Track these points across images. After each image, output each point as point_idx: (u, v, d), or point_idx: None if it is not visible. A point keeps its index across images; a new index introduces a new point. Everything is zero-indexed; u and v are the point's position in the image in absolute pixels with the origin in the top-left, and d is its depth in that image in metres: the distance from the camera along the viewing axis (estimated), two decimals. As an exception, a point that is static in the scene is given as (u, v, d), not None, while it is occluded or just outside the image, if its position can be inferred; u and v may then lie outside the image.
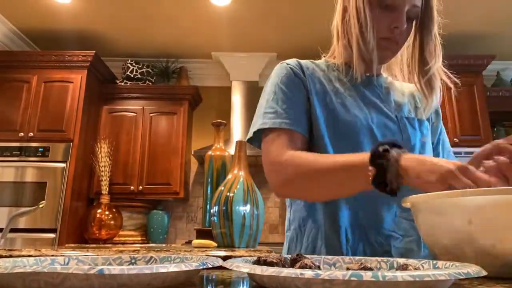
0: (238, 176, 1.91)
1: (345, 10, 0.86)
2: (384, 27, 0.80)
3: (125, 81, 3.74)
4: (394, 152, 0.62)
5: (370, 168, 0.63)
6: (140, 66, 3.78)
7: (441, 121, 0.96)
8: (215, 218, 1.87)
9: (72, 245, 2.89)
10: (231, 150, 2.29)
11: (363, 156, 0.66)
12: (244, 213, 1.83)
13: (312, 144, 0.82)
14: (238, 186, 1.87)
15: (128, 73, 3.73)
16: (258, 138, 0.84)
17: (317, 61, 0.92)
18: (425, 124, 0.88)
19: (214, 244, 1.91)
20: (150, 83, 3.81)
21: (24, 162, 3.14)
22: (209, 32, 3.54)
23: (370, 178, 0.63)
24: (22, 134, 3.19)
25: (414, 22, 0.84)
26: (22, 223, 2.99)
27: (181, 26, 3.46)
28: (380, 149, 0.63)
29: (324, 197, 0.77)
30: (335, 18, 0.90)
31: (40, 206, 1.78)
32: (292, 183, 0.76)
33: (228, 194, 1.85)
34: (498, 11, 3.19)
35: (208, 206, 2.43)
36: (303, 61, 0.89)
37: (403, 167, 0.61)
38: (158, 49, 3.85)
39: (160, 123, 3.65)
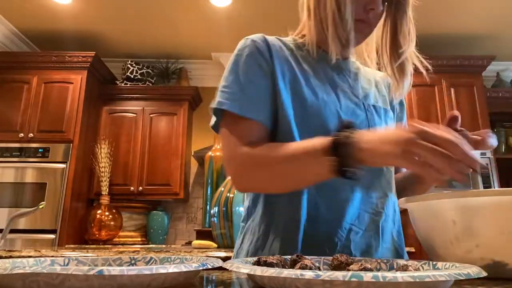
0: (238, 176, 1.91)
1: None
2: (360, 8, 0.75)
3: (125, 81, 3.75)
4: (349, 136, 0.60)
5: (329, 158, 0.61)
6: (140, 66, 3.78)
7: (405, 112, 0.95)
8: (215, 219, 1.87)
9: (72, 246, 2.89)
10: (231, 150, 2.29)
11: (320, 144, 0.63)
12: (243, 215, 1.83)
13: (277, 128, 0.76)
14: (238, 187, 1.87)
15: (128, 73, 3.73)
16: (217, 117, 0.79)
17: (284, 39, 0.87)
18: (390, 114, 0.86)
19: (214, 245, 1.91)
20: (150, 84, 3.81)
21: (24, 163, 3.14)
22: (209, 33, 3.54)
23: (330, 166, 0.61)
24: (22, 134, 3.19)
25: (385, 4, 0.81)
26: (22, 224, 2.99)
27: (181, 27, 3.46)
28: (336, 137, 0.61)
29: (285, 189, 0.72)
30: None
31: (40, 207, 1.78)
32: (251, 177, 0.73)
33: (228, 194, 1.85)
34: (498, 12, 3.19)
35: (208, 207, 2.43)
36: (269, 38, 0.82)
37: (362, 149, 0.58)
38: (158, 50, 3.85)
39: (160, 123, 3.65)
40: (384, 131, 0.60)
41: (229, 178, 1.97)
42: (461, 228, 0.50)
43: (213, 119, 0.79)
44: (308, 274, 0.33)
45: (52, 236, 3.00)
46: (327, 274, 0.32)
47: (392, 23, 0.82)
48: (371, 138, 0.59)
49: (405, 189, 0.85)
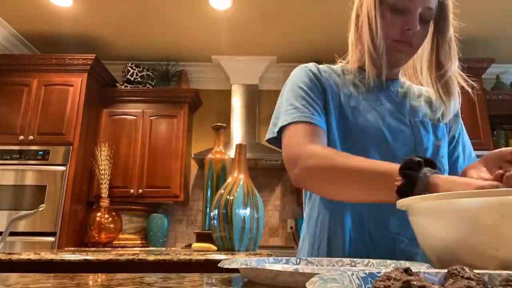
0: (238, 179, 1.91)
1: (357, 17, 0.87)
2: (396, 29, 0.80)
3: (125, 84, 3.75)
4: (426, 168, 0.60)
5: (399, 178, 0.61)
6: (140, 69, 3.79)
7: (461, 124, 0.94)
8: (215, 221, 1.87)
9: (72, 248, 2.89)
10: (231, 153, 2.29)
11: (392, 165, 0.64)
12: (244, 217, 1.83)
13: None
14: (238, 189, 1.87)
15: (128, 76, 3.73)
16: (278, 138, 0.84)
17: (333, 66, 0.94)
18: (441, 127, 0.87)
19: (214, 247, 1.90)
20: (150, 87, 3.81)
21: (24, 165, 3.13)
22: (209, 36, 3.55)
23: (396, 187, 0.61)
24: (22, 137, 3.19)
25: (430, 24, 0.84)
26: (21, 226, 2.99)
27: (181, 30, 3.47)
28: (414, 159, 0.61)
29: (343, 198, 0.74)
30: (350, 26, 0.91)
31: (40, 209, 1.78)
32: (313, 175, 0.74)
33: (228, 197, 1.85)
34: (498, 15, 3.19)
35: (208, 210, 2.43)
36: (320, 65, 0.91)
37: (432, 183, 0.58)
38: (158, 53, 3.86)
39: (160, 126, 3.65)
40: (458, 177, 0.60)
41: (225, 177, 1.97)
42: (470, 229, 0.49)
43: (272, 133, 0.84)
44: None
45: (51, 238, 3.00)
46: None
47: (436, 44, 0.86)
48: (444, 177, 0.58)
49: None
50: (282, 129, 0.82)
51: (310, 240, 0.83)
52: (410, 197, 0.58)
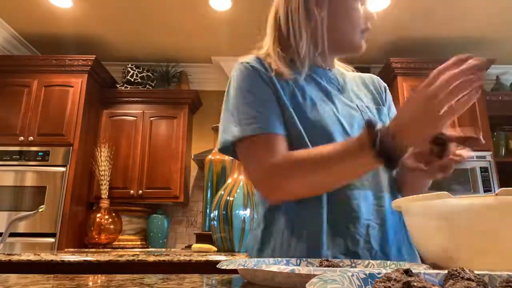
0: (238, 180, 1.91)
1: (308, 9, 0.84)
2: (361, 18, 0.84)
3: (125, 85, 3.75)
4: (383, 130, 0.63)
5: (373, 152, 0.64)
6: (140, 70, 3.79)
7: (389, 97, 0.97)
8: (215, 222, 1.87)
9: (72, 249, 2.89)
10: (231, 154, 2.29)
11: (358, 142, 0.66)
12: (244, 217, 1.83)
13: (290, 142, 0.78)
14: (238, 191, 1.87)
15: (128, 77, 3.73)
16: (229, 148, 0.80)
17: (271, 56, 0.88)
18: (383, 111, 0.90)
19: (214, 248, 1.91)
20: (150, 87, 3.81)
21: (24, 166, 3.13)
22: (209, 37, 3.55)
23: (374, 158, 0.64)
24: (22, 138, 3.19)
25: None
26: (21, 227, 2.98)
27: (182, 31, 3.47)
28: (373, 136, 0.64)
29: (328, 188, 0.74)
30: (292, 14, 0.86)
31: (40, 210, 1.78)
32: (294, 182, 0.73)
33: (228, 198, 1.85)
34: (498, 16, 3.20)
35: (208, 210, 2.43)
36: (261, 57, 0.85)
37: (400, 133, 0.62)
38: (158, 54, 3.86)
39: (160, 127, 3.65)
40: (399, 110, 0.64)
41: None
42: (457, 230, 0.49)
43: (222, 142, 0.80)
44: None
45: (51, 239, 3.00)
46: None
47: None
48: (397, 119, 0.63)
49: (404, 183, 0.86)
50: (238, 141, 0.77)
51: (284, 239, 0.77)
52: (405, 198, 0.58)
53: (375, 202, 0.78)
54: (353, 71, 0.99)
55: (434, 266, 0.53)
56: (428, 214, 0.54)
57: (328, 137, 0.77)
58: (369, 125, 0.65)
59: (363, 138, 0.65)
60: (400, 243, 0.79)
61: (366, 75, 0.98)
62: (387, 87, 0.98)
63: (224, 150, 0.82)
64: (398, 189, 0.86)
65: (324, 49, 0.84)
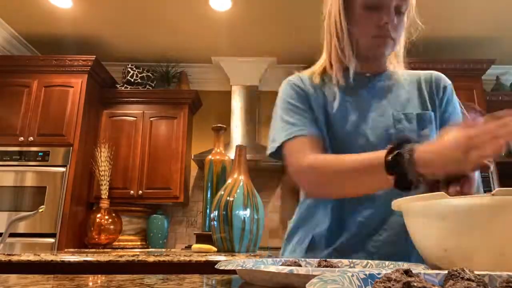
0: (238, 180, 1.91)
1: (329, 22, 0.92)
2: (372, 26, 0.83)
3: (125, 85, 3.75)
4: (406, 153, 0.64)
5: (389, 177, 0.66)
6: (140, 70, 3.79)
7: (453, 96, 0.93)
8: (215, 222, 1.87)
9: (71, 249, 2.88)
10: (231, 154, 2.29)
11: (379, 158, 0.68)
12: (244, 218, 1.82)
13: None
14: (238, 191, 1.87)
15: (128, 77, 3.73)
16: (279, 152, 0.89)
17: (311, 71, 0.97)
18: (427, 115, 0.86)
19: (214, 248, 1.90)
20: (150, 88, 3.81)
21: (24, 167, 3.13)
22: (209, 37, 3.55)
23: (392, 183, 0.66)
24: (22, 138, 3.19)
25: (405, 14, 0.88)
26: (21, 227, 2.98)
27: (182, 31, 3.47)
28: (390, 157, 0.65)
29: (349, 195, 0.80)
30: (324, 29, 0.95)
31: (40, 210, 1.78)
32: (319, 185, 0.81)
33: (228, 198, 1.85)
34: (498, 16, 3.20)
35: (208, 211, 2.43)
36: (302, 75, 0.95)
37: (420, 164, 0.62)
38: (158, 54, 3.86)
39: (160, 127, 3.65)
40: (440, 140, 0.64)
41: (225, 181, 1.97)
42: (455, 230, 0.49)
43: (272, 149, 0.89)
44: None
45: (51, 240, 3.00)
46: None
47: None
48: (428, 150, 0.63)
49: None
50: (282, 145, 0.86)
51: (299, 235, 0.89)
52: (404, 198, 0.58)
53: (385, 210, 0.78)
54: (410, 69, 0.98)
55: (434, 267, 0.53)
56: (427, 215, 0.54)
57: (348, 149, 0.81)
58: (396, 143, 0.66)
59: (383, 156, 0.67)
60: (409, 252, 0.78)
61: (425, 74, 0.95)
62: (448, 86, 0.92)
63: (272, 155, 0.91)
64: None
65: (348, 56, 0.88)
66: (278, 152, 0.88)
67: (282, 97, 0.93)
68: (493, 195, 0.47)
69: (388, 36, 0.84)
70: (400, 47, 0.95)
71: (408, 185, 0.64)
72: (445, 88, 0.92)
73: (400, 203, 0.59)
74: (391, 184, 0.66)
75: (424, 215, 0.54)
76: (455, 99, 0.93)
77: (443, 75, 0.94)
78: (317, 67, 0.96)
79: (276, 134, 0.88)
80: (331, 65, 0.92)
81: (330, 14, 0.90)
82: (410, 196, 0.56)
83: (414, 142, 0.65)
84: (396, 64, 0.96)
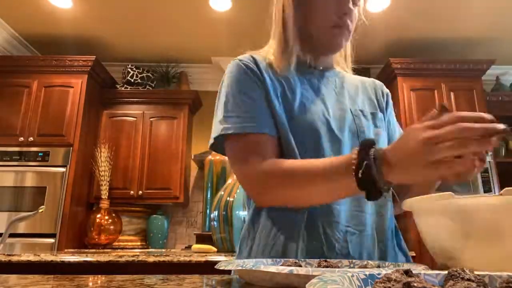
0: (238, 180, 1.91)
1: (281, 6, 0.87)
2: (333, 14, 0.80)
3: (125, 85, 3.75)
4: (373, 166, 0.59)
5: (355, 180, 0.61)
6: (140, 70, 3.79)
7: (391, 109, 0.96)
8: (215, 223, 1.87)
9: (71, 250, 2.88)
10: (231, 154, 2.29)
11: (346, 164, 0.63)
12: (244, 218, 1.82)
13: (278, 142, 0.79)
14: (238, 191, 1.87)
15: (128, 77, 3.73)
16: (220, 144, 0.81)
17: (264, 55, 0.90)
18: (379, 116, 0.88)
19: (214, 249, 1.90)
20: (150, 88, 3.81)
21: (24, 167, 3.13)
22: (209, 37, 3.55)
23: (357, 188, 0.61)
24: (22, 138, 3.19)
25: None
26: (21, 228, 2.98)
27: (182, 31, 3.47)
28: (360, 172, 0.60)
29: (309, 204, 0.74)
30: (276, 15, 0.90)
31: (40, 211, 1.78)
32: (274, 194, 0.73)
33: (228, 198, 1.85)
34: (497, 16, 3.20)
35: (208, 211, 2.43)
36: (256, 56, 0.86)
37: (387, 172, 0.58)
38: (158, 54, 3.86)
39: (160, 127, 3.65)
40: (399, 144, 0.59)
41: (230, 182, 1.97)
42: (473, 229, 0.49)
43: (213, 138, 0.80)
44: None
45: (51, 240, 3.00)
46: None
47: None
48: (390, 156, 0.58)
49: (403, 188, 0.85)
50: (224, 137, 0.78)
51: (262, 241, 0.77)
52: (414, 198, 0.58)
53: (357, 208, 0.76)
54: (356, 73, 0.97)
55: (444, 266, 0.53)
56: (437, 214, 0.54)
57: (314, 138, 0.76)
58: (362, 147, 0.62)
59: (349, 161, 0.62)
60: (383, 252, 0.77)
61: (368, 80, 0.96)
62: (389, 94, 0.96)
63: (214, 146, 0.83)
64: (397, 194, 0.83)
65: (291, 46, 0.83)
66: (219, 145, 0.81)
67: (229, 81, 0.82)
68: (501, 194, 0.47)
69: (346, 27, 0.81)
70: (348, 47, 0.93)
71: (376, 195, 0.60)
72: (387, 95, 0.96)
73: (410, 203, 0.59)
74: (355, 192, 0.62)
75: (433, 215, 0.54)
76: (392, 108, 0.97)
77: (382, 83, 0.98)
78: (268, 53, 0.88)
79: (218, 124, 0.78)
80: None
81: (278, 5, 0.87)
82: (420, 197, 0.56)
83: (377, 147, 0.61)
84: (344, 65, 0.95)
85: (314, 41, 0.84)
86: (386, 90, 0.96)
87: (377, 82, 0.97)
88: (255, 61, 0.83)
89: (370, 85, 0.94)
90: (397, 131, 0.95)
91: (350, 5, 0.80)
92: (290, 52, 0.83)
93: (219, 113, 0.80)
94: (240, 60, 0.84)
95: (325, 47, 0.85)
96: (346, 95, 0.87)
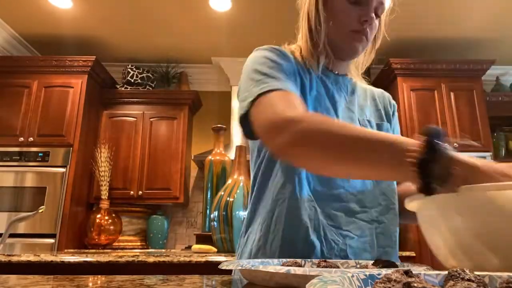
0: (238, 181, 1.91)
1: (309, 10, 0.87)
2: (354, 20, 0.81)
3: (125, 86, 3.75)
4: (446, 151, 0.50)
5: (415, 147, 0.51)
6: (140, 71, 3.79)
7: (396, 116, 0.98)
8: (215, 223, 1.87)
9: (71, 250, 2.89)
10: (231, 155, 2.29)
11: (403, 137, 0.55)
12: (244, 218, 1.82)
13: None
14: (238, 191, 1.87)
15: (128, 78, 3.74)
16: (248, 124, 0.71)
17: (293, 49, 0.91)
18: (384, 127, 0.90)
19: (214, 249, 1.90)
20: (150, 88, 3.81)
21: (24, 167, 3.13)
22: (209, 37, 3.56)
23: (411, 158, 0.51)
24: (22, 139, 3.19)
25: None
26: (21, 228, 2.98)
27: (182, 31, 3.47)
28: (434, 128, 0.51)
29: (339, 172, 0.65)
30: (303, 17, 0.90)
31: (40, 211, 1.77)
32: (307, 142, 0.62)
33: (228, 199, 1.85)
34: (498, 17, 3.20)
35: (208, 211, 2.43)
36: (280, 47, 0.86)
37: (457, 157, 0.49)
38: (158, 54, 3.86)
39: (160, 128, 3.65)
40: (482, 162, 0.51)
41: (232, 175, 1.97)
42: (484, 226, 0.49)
43: (244, 108, 0.72)
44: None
45: (51, 240, 3.00)
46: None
47: (374, 38, 0.91)
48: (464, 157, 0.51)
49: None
50: (253, 103, 0.69)
51: (263, 235, 0.77)
52: (418, 195, 0.56)
53: (358, 216, 0.78)
54: (367, 83, 0.98)
55: (448, 265, 0.53)
56: (438, 213, 0.53)
57: None
58: (429, 133, 0.51)
59: (414, 143, 0.53)
60: (381, 258, 0.79)
61: (378, 90, 0.98)
62: (396, 106, 0.98)
63: (243, 119, 0.73)
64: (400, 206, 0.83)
65: (319, 50, 0.84)
66: (249, 125, 0.71)
67: (258, 56, 0.78)
68: (456, 192, 0.47)
69: (365, 33, 0.82)
70: (362, 57, 0.94)
71: (431, 188, 0.50)
72: (394, 107, 0.97)
73: (413, 202, 0.58)
74: (401, 174, 0.54)
75: (436, 213, 0.54)
76: (397, 118, 0.98)
77: (390, 95, 1.00)
78: (294, 47, 0.90)
79: (248, 91, 0.72)
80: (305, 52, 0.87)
81: (305, 4, 0.87)
82: (422, 195, 0.55)
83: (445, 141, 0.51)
84: (355, 75, 0.95)
85: (333, 44, 0.85)
86: (393, 102, 0.98)
87: (386, 94, 0.99)
88: (279, 49, 0.83)
89: (379, 96, 0.96)
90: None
91: (372, 14, 0.81)
92: (319, 53, 0.84)
93: (248, 82, 0.74)
94: (267, 46, 0.83)
95: (342, 51, 0.85)
96: (356, 103, 0.89)
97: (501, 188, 0.45)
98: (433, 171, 0.49)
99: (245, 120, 0.72)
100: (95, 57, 3.39)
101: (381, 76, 3.59)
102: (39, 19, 3.30)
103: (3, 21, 3.33)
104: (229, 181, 1.94)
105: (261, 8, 3.12)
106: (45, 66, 3.38)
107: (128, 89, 3.72)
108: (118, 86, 3.81)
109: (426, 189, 0.50)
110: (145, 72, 3.80)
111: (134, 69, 3.77)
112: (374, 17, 0.82)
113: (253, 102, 0.70)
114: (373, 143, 0.57)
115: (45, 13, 3.20)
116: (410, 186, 0.88)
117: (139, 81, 3.76)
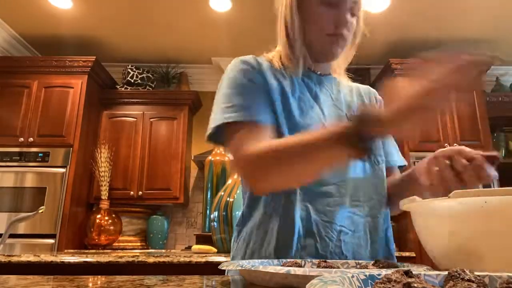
0: (238, 181, 1.91)
1: (282, 13, 0.88)
2: (329, 23, 0.81)
3: (125, 86, 3.75)
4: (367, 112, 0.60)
5: (347, 130, 0.61)
6: (140, 71, 3.79)
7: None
8: (215, 223, 1.87)
9: (71, 250, 2.88)
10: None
11: (335, 125, 0.65)
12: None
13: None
14: (238, 191, 1.87)
15: (128, 78, 3.74)
16: (219, 137, 0.79)
17: (270, 56, 0.92)
18: None
19: (214, 249, 1.90)
20: (150, 88, 3.81)
21: (24, 167, 3.13)
22: (209, 38, 3.56)
23: (347, 138, 0.61)
24: (22, 139, 3.19)
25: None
26: (21, 228, 2.98)
27: (182, 32, 3.47)
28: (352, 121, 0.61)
29: (308, 176, 0.72)
30: (279, 20, 0.90)
31: (40, 211, 1.77)
32: (274, 171, 0.71)
33: (228, 199, 1.85)
34: (497, 17, 3.20)
35: (208, 211, 2.43)
36: (258, 57, 0.88)
37: (383, 116, 0.58)
38: (158, 55, 3.86)
39: (160, 128, 3.65)
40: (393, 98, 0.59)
41: (234, 179, 1.97)
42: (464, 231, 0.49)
43: (210, 129, 0.79)
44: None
45: (51, 240, 2.99)
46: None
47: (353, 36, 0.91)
48: (389, 109, 0.59)
49: (400, 191, 0.86)
50: (223, 128, 0.77)
51: (258, 238, 0.79)
52: (412, 198, 0.57)
53: (351, 210, 0.78)
54: (351, 81, 0.99)
55: (443, 267, 0.53)
56: (433, 215, 0.53)
57: None
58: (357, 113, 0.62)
59: (341, 124, 0.64)
60: (376, 253, 0.80)
61: (363, 87, 0.99)
62: (382, 101, 0.98)
63: (211, 137, 0.80)
64: (388, 198, 0.86)
65: (297, 54, 0.85)
66: (219, 136, 0.79)
67: (231, 74, 0.83)
68: (448, 197, 0.47)
69: (341, 36, 0.82)
70: (342, 54, 0.94)
71: (361, 140, 0.60)
72: (380, 102, 0.98)
73: (408, 204, 0.59)
74: (345, 149, 0.62)
75: (431, 215, 0.54)
76: None
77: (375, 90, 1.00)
78: (275, 56, 0.90)
79: (218, 114, 0.77)
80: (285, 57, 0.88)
81: (282, 8, 0.87)
82: (417, 197, 0.56)
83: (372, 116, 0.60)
84: (339, 73, 0.96)
85: (311, 47, 0.86)
86: (380, 98, 0.99)
87: (371, 89, 1.00)
88: (256, 60, 0.86)
89: (365, 92, 0.97)
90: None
91: (348, 16, 0.81)
92: (297, 57, 0.85)
93: (219, 103, 0.80)
94: (241, 58, 0.86)
95: (320, 54, 0.86)
96: (343, 101, 0.89)
97: (493, 194, 0.46)
98: (361, 134, 0.59)
99: (212, 137, 0.80)
100: (95, 57, 3.40)
101: (381, 76, 3.59)
102: (39, 19, 3.30)
103: (3, 21, 3.33)
104: (229, 181, 1.94)
105: (261, 8, 3.12)
106: (45, 66, 3.38)
107: (128, 90, 3.72)
108: (118, 87, 3.81)
109: (363, 152, 0.60)
110: (145, 72, 3.80)
111: (134, 70, 3.77)
112: (350, 18, 0.82)
113: (218, 127, 0.77)
114: (312, 140, 0.67)
115: (45, 13, 3.20)
116: (395, 176, 0.94)
117: (139, 81, 3.76)
